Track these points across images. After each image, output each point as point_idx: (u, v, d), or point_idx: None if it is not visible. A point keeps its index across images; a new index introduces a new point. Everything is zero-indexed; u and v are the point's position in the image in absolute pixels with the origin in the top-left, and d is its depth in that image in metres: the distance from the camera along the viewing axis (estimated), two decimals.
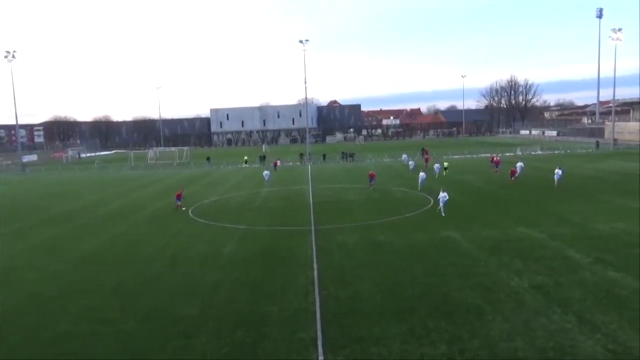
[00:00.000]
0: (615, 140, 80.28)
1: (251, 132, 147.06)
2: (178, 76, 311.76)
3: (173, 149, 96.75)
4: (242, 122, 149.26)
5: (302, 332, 13.26)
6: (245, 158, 73.61)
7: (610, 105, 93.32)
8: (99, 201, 40.24)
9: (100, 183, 55.37)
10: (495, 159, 51.53)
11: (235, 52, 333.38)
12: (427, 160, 57.94)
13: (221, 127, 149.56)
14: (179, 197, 33.84)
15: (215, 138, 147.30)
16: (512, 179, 40.03)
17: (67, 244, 25.40)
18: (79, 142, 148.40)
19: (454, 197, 34.10)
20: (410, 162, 54.62)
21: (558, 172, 36.86)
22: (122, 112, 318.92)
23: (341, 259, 20.06)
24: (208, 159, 78.60)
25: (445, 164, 48.69)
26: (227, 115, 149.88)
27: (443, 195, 28.04)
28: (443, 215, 27.25)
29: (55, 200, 41.68)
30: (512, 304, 14.49)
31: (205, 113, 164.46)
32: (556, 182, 36.26)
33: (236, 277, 18.49)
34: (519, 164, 44.35)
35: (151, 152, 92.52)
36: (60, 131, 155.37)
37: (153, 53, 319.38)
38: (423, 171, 41.61)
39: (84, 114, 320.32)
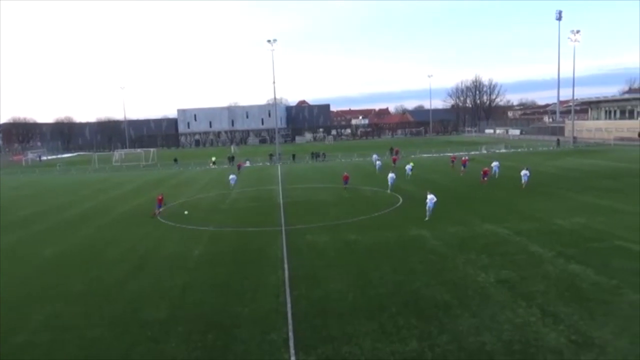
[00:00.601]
0: (574, 138, 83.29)
1: (219, 133, 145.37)
2: (143, 76, 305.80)
3: (139, 150, 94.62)
4: (210, 123, 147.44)
5: (273, 332, 13.20)
6: (213, 159, 72.74)
7: (570, 104, 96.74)
8: (62, 204, 38.98)
9: (63, 186, 53.64)
10: (463, 158, 50.84)
11: (203, 52, 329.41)
12: (394, 160, 56.92)
13: (188, 127, 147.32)
14: (160, 203, 31.82)
15: (182, 139, 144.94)
16: (485, 179, 38.45)
17: (28, 248, 24.51)
18: (39, 144, 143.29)
19: (421, 195, 34.66)
20: (377, 162, 53.55)
21: (525, 172, 36.12)
22: (85, 113, 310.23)
23: (312, 259, 20.07)
24: (175, 160, 77.39)
25: (411, 164, 47.27)
26: (195, 116, 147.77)
27: (430, 198, 26.22)
28: (427, 219, 25.95)
29: (16, 204, 40.14)
30: (479, 299, 14.82)
31: (172, 113, 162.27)
32: (523, 184, 35.50)
33: (205, 279, 18.25)
34: (494, 163, 43.46)
35: (116, 154, 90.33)
36: (19, 133, 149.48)
37: (117, 52, 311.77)
38: (392, 171, 39.89)
39: (45, 115, 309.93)
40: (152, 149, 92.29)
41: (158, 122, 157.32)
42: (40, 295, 17.23)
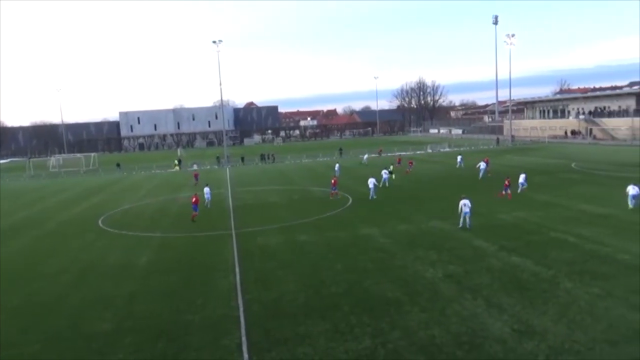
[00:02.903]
0: (512, 136, 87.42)
1: (165, 136, 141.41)
2: (81, 77, 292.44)
3: (78, 155, 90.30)
4: (155, 125, 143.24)
5: (225, 338, 12.99)
6: (176, 161, 71.30)
7: (507, 104, 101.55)
8: None
9: None
10: (485, 158, 44.21)
11: (145, 52, 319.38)
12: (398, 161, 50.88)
13: (132, 130, 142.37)
14: (195, 204, 29.40)
15: (125, 142, 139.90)
16: (508, 191, 31.28)
17: None
18: None
19: (369, 194, 35.18)
20: (364, 157, 49.90)
21: (523, 177, 33.10)
22: (18, 116, 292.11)
23: (263, 261, 19.93)
24: (118, 164, 74.64)
25: (392, 169, 42.45)
26: (138, 119, 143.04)
27: (463, 202, 23.43)
28: (468, 227, 23.07)
29: None
30: (428, 294, 15.25)
31: (113, 116, 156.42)
32: (523, 188, 32.49)
33: (154, 287, 17.68)
34: (481, 164, 40.92)
35: (53, 159, 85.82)
36: None
37: (52, 51, 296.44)
38: (372, 176, 35.50)
39: None
40: (92, 154, 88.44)
41: (99, 126, 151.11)
42: None
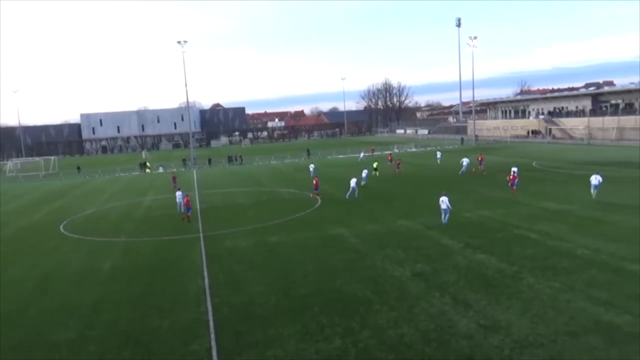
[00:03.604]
0: (476, 136, 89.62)
1: (128, 138, 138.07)
2: (40, 78, 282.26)
3: (37, 158, 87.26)
4: (118, 128, 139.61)
5: (194, 343, 12.81)
6: (147, 164, 69.72)
7: (471, 105, 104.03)
8: None
9: None
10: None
11: (108, 52, 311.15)
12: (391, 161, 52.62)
13: (94, 133, 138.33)
14: (187, 206, 29.56)
15: (87, 145, 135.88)
16: (513, 187, 32.21)
17: None
18: None
19: (339, 195, 35.38)
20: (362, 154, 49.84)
21: (514, 169, 34.11)
22: None
23: (232, 264, 19.75)
24: (78, 168, 72.43)
25: (365, 170, 41.77)
26: (100, 121, 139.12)
27: (443, 199, 24.24)
28: (444, 223, 23.99)
29: None
30: (397, 293, 15.45)
31: (74, 118, 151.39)
32: (509, 180, 33.11)
33: (119, 293, 17.25)
34: (464, 160, 43.93)
35: (10, 163, 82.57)
36: None
37: (7, 51, 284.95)
38: (355, 176, 36.34)
39: None
40: (52, 157, 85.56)
41: (59, 128, 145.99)
42: None
